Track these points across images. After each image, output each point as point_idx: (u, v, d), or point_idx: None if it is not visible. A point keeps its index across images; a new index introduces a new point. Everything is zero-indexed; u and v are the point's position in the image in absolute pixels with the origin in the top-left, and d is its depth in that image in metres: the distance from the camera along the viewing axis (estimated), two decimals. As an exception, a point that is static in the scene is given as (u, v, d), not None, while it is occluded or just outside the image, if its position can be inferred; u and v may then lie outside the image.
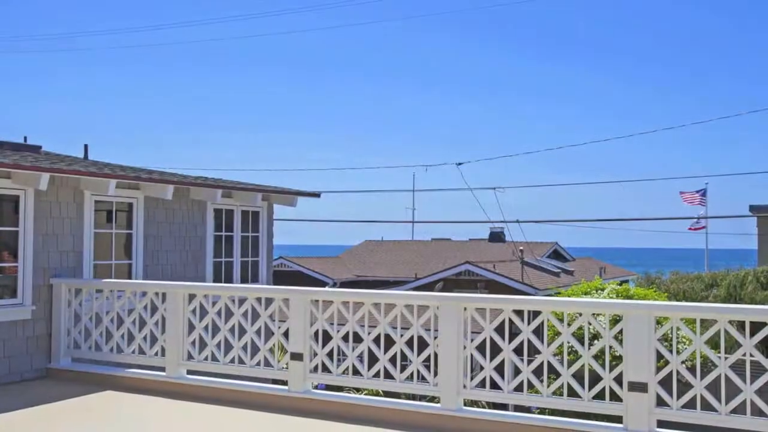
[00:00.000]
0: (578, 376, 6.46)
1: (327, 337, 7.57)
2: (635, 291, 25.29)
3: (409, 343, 7.18)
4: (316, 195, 16.49)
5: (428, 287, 34.60)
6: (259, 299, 8.07)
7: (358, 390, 9.47)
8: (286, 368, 7.69)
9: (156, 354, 8.68)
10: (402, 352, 7.15)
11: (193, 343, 8.41)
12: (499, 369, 6.83)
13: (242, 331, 8.16)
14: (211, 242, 13.52)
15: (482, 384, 6.81)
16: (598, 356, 6.76)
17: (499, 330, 6.91)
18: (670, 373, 6.09)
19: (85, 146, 16.41)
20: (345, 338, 7.50)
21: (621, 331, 6.27)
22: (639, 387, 6.02)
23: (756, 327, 5.92)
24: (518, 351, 6.86)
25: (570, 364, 6.53)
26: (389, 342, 7.21)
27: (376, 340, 7.37)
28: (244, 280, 14.65)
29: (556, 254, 43.54)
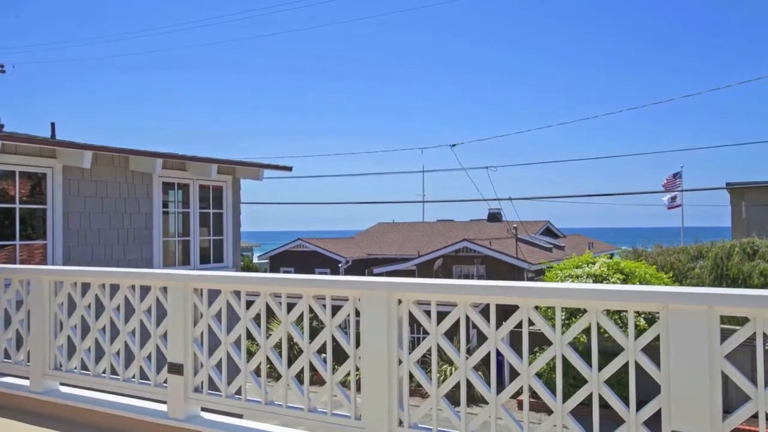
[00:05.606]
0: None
1: (215, 342, 4.66)
2: (625, 264, 22.34)
3: (323, 350, 4.22)
4: (288, 168, 13.59)
5: (430, 263, 33.78)
6: (132, 287, 5.17)
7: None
8: (166, 385, 4.82)
9: (22, 361, 5.84)
10: (311, 365, 4.21)
11: (61, 347, 5.56)
12: (455, 394, 3.92)
13: (116, 332, 5.29)
14: (158, 219, 10.67)
15: (428, 418, 3.86)
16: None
17: (454, 333, 3.95)
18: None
19: (52, 124, 13.60)
20: (237, 343, 4.58)
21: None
22: None
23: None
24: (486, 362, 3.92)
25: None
26: (295, 350, 4.27)
27: (277, 346, 4.43)
28: (204, 262, 11.81)
29: (548, 231, 42.87)
